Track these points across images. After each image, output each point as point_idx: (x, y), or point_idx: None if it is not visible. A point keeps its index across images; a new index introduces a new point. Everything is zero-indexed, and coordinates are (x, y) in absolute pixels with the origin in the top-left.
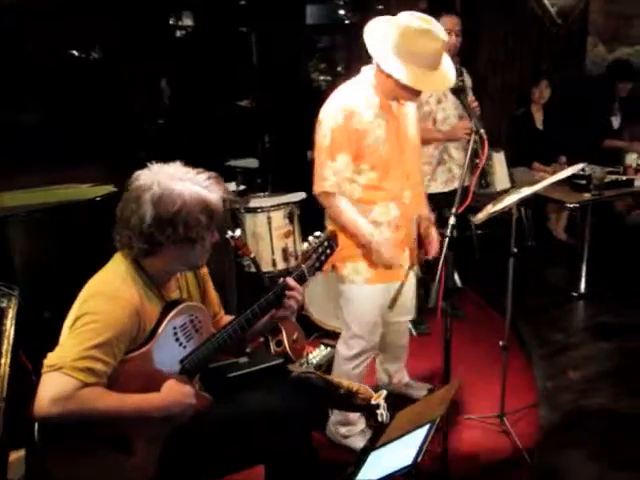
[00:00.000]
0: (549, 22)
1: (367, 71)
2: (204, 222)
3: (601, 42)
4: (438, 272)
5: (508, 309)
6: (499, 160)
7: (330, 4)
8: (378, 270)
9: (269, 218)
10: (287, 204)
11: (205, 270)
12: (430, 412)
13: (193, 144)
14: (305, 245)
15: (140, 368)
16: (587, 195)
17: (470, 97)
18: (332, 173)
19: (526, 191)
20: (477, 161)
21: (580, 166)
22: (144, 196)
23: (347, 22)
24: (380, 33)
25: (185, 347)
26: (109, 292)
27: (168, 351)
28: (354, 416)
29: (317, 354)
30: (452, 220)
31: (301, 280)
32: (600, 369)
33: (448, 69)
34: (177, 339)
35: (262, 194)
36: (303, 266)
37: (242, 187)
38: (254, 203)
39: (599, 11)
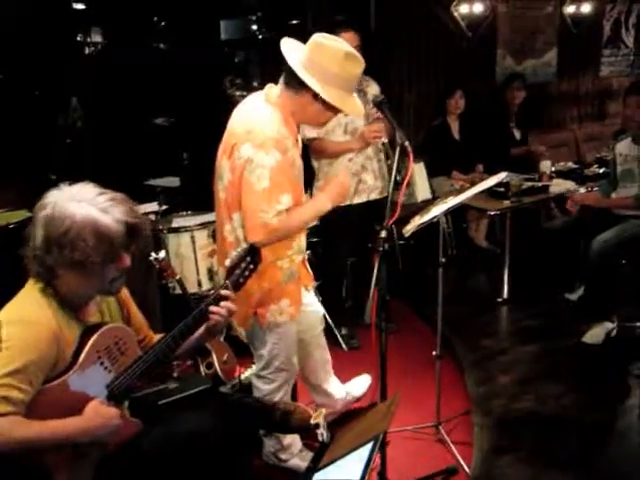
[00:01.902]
0: (460, 35)
1: (270, 93)
2: (92, 245)
3: (509, 54)
4: (372, 287)
5: (439, 318)
6: (419, 171)
7: (243, 19)
8: (297, 302)
9: (193, 237)
10: (211, 222)
11: (126, 293)
12: (374, 428)
13: (111, 164)
14: (227, 261)
15: (63, 395)
16: (506, 202)
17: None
18: (273, 216)
19: (453, 201)
20: (401, 174)
21: (503, 175)
22: (38, 217)
23: (261, 37)
24: (303, 55)
25: (111, 371)
26: (22, 318)
27: (93, 376)
28: (289, 440)
29: (248, 374)
30: (383, 234)
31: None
32: (528, 372)
33: (356, 96)
34: (102, 363)
35: (185, 213)
36: (227, 282)
37: (164, 207)
38: (177, 223)
39: (506, 25)
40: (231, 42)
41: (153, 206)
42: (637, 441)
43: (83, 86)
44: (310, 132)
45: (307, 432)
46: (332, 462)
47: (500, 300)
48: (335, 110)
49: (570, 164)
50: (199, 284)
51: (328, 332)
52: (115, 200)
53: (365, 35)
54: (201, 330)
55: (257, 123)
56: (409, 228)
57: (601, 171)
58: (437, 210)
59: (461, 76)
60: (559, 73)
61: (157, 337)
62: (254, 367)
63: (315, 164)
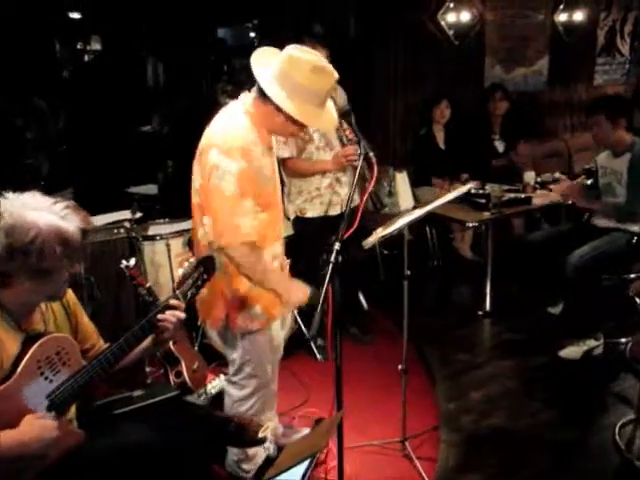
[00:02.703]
0: (447, 43)
1: (244, 101)
2: (59, 252)
3: (498, 63)
4: (321, 299)
5: (404, 332)
6: (402, 180)
7: (241, 27)
8: (271, 309)
9: (168, 245)
10: (186, 230)
11: (75, 300)
12: (317, 443)
13: (93, 171)
14: (180, 271)
15: (2, 407)
16: (487, 214)
17: (345, 127)
18: (247, 220)
19: (417, 212)
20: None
21: (468, 187)
22: None
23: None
24: (271, 67)
25: (52, 381)
26: None
27: (33, 386)
28: (253, 450)
29: (216, 384)
30: (337, 246)
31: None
32: (502, 388)
33: (330, 107)
34: (42, 373)
35: (162, 221)
36: (177, 292)
37: (138, 214)
38: (153, 230)
39: (494, 33)
40: (229, 49)
41: (126, 214)
42: (608, 462)
43: (72, 93)
44: (284, 152)
45: (255, 446)
46: (275, 475)
47: (481, 313)
48: (300, 124)
49: (557, 175)
50: (174, 291)
51: (303, 342)
52: (70, 208)
53: (344, 43)
54: (148, 341)
55: (227, 130)
56: (371, 240)
57: (588, 182)
58: (401, 222)
59: (448, 85)
60: (550, 82)
61: (105, 346)
62: (222, 377)
63: (287, 184)
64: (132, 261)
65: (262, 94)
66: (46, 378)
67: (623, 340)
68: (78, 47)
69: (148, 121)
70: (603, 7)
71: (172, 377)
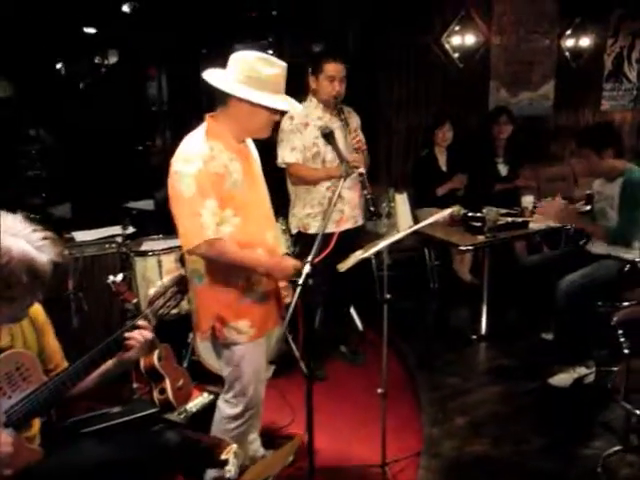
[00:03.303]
0: (451, 66)
1: (210, 119)
2: (25, 282)
3: (503, 87)
4: (285, 322)
5: (384, 356)
6: (402, 201)
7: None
8: (259, 324)
9: (159, 262)
10: (179, 247)
11: (44, 319)
12: (269, 469)
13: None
14: (152, 290)
15: None
16: (481, 237)
17: (354, 135)
18: (209, 219)
19: (397, 236)
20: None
21: (449, 211)
22: None
23: None
24: (221, 73)
25: (10, 397)
26: None
27: None
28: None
29: (198, 402)
30: (307, 268)
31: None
32: (489, 414)
33: (291, 99)
34: (0, 388)
35: (156, 236)
36: (147, 311)
37: (130, 230)
38: (146, 246)
39: (500, 57)
40: None
41: (116, 229)
42: None
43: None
44: (289, 157)
45: (218, 467)
46: None
47: (475, 337)
48: (268, 110)
49: (558, 199)
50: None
51: (293, 362)
52: (48, 239)
53: (345, 61)
54: (113, 361)
55: (185, 143)
56: (348, 263)
57: (587, 208)
58: (381, 245)
59: (452, 107)
60: (557, 106)
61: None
62: (205, 395)
63: (292, 191)
64: (119, 276)
65: (222, 100)
66: (4, 394)
67: (615, 369)
68: (95, 61)
69: (150, 138)
70: (610, 33)
71: (156, 394)
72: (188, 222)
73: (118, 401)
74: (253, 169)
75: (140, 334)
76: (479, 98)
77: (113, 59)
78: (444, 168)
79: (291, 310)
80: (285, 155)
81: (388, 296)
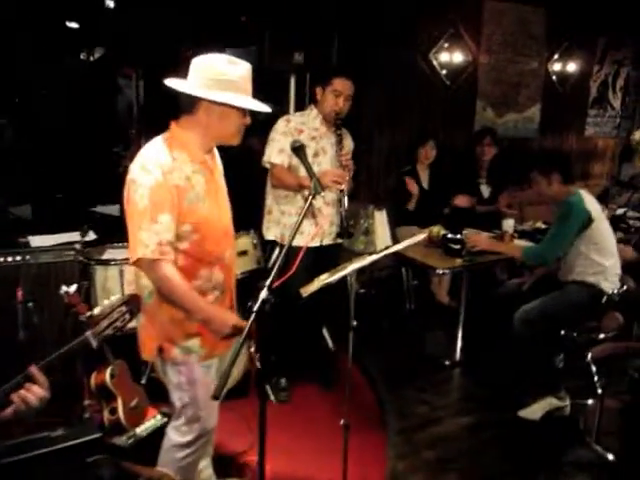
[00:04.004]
0: (438, 83)
1: (176, 126)
2: None
3: (490, 107)
4: (233, 353)
5: (347, 388)
6: (380, 219)
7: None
8: (211, 345)
9: (121, 271)
10: None
11: None
12: None
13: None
14: (97, 309)
15: None
16: (459, 261)
17: (345, 153)
18: (154, 236)
19: (364, 261)
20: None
21: (422, 236)
22: None
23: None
24: (184, 80)
25: None
26: None
27: None
28: None
29: (149, 425)
30: (263, 294)
31: (85, 348)
32: (457, 447)
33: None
34: None
35: (119, 244)
36: (87, 333)
37: (90, 236)
38: (108, 254)
39: (487, 77)
40: None
41: (73, 236)
42: None
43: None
44: (276, 158)
45: None
46: None
47: (449, 363)
48: (236, 110)
49: (539, 224)
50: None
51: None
52: None
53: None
54: None
55: (147, 149)
56: (312, 288)
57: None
58: (350, 268)
59: (437, 125)
60: (542, 129)
61: None
62: (158, 417)
63: (270, 195)
64: (73, 287)
65: (187, 106)
66: None
67: (590, 402)
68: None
69: (124, 140)
70: (597, 60)
71: (106, 413)
72: (134, 234)
73: (68, 418)
74: (217, 183)
75: (31, 393)
76: (465, 117)
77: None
78: (426, 186)
79: (243, 336)
80: (272, 154)
81: (354, 323)
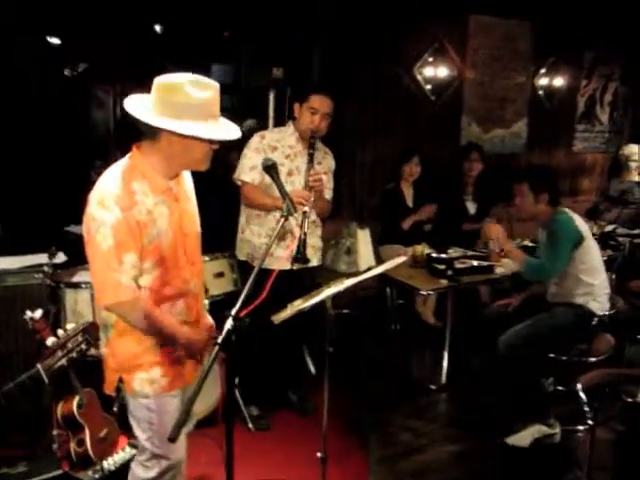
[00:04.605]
0: (422, 98)
1: (137, 152)
2: None
3: (476, 122)
4: (195, 388)
5: (324, 417)
6: (364, 237)
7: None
8: (173, 374)
9: (93, 295)
10: None
11: None
12: None
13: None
14: (50, 340)
15: None
16: (444, 281)
17: (313, 173)
18: (124, 277)
19: (346, 283)
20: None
21: (402, 259)
22: None
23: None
24: (146, 100)
25: None
26: None
27: None
28: None
29: (117, 458)
30: (229, 323)
31: (35, 383)
32: (443, 477)
33: (227, 123)
34: None
35: None
36: (39, 365)
37: (60, 258)
38: (79, 277)
39: (473, 92)
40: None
41: (43, 258)
42: None
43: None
44: (246, 175)
45: None
46: None
47: (434, 387)
48: (201, 140)
49: (527, 242)
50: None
51: (235, 409)
52: None
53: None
54: None
55: (102, 182)
56: (285, 314)
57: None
58: (326, 293)
59: (422, 140)
60: (529, 145)
61: None
62: (127, 449)
63: (243, 213)
64: (38, 312)
65: (148, 134)
66: None
67: (581, 428)
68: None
69: (101, 157)
70: (584, 75)
71: (73, 445)
72: (103, 276)
73: (34, 449)
74: (183, 209)
75: None
76: (450, 133)
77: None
78: (410, 203)
79: (209, 363)
80: (242, 172)
81: (330, 349)
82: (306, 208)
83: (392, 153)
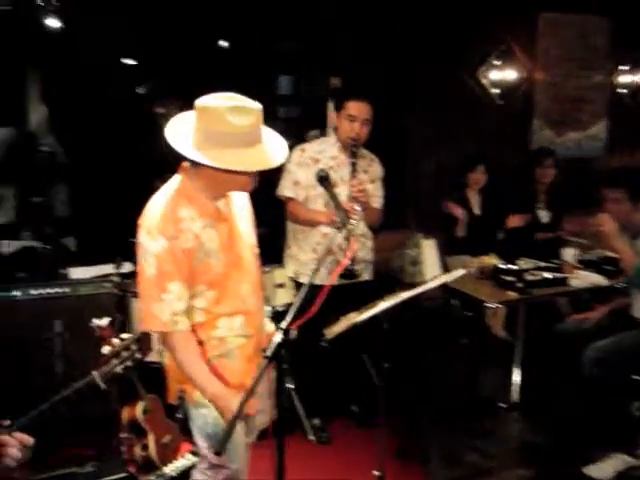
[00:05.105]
0: (489, 103)
1: (184, 175)
2: None
3: (548, 126)
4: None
5: (380, 434)
6: (429, 247)
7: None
8: (233, 386)
9: None
10: None
11: None
12: None
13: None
14: (106, 348)
15: None
16: (512, 294)
17: (355, 183)
18: (165, 308)
19: (399, 297)
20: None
21: (461, 272)
22: None
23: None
24: (181, 127)
25: None
26: None
27: None
28: None
29: (179, 465)
30: (278, 337)
31: (91, 389)
32: None
33: (274, 144)
34: None
35: None
36: (94, 373)
37: (127, 268)
38: None
39: (544, 94)
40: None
41: (111, 268)
42: None
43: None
44: (289, 191)
45: None
46: None
47: (505, 405)
48: (239, 172)
49: (607, 253)
50: (161, 354)
51: (296, 420)
52: None
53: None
54: None
55: (150, 208)
56: (338, 328)
57: None
58: (378, 308)
59: (488, 147)
60: (609, 147)
61: None
62: (188, 456)
63: (289, 228)
64: (104, 320)
65: (193, 162)
66: None
67: None
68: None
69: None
70: None
71: (138, 449)
72: (144, 303)
73: (103, 451)
74: (235, 228)
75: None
76: (519, 138)
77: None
78: (477, 211)
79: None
80: (285, 188)
81: (386, 365)
82: (352, 221)
83: (457, 161)
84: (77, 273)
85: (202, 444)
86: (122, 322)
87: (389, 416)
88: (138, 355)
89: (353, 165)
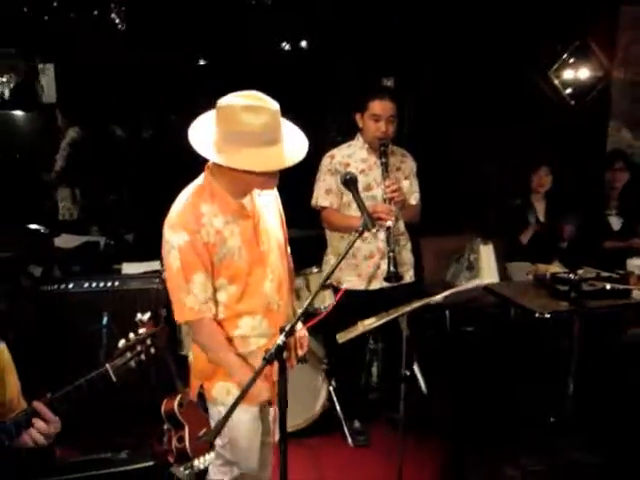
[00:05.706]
0: (560, 103)
1: (208, 173)
2: None
3: (626, 127)
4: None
5: (400, 448)
6: (487, 253)
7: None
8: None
9: None
10: None
11: (7, 359)
12: None
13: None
14: (122, 341)
15: None
16: (564, 304)
17: (389, 184)
18: (191, 297)
19: (418, 303)
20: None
21: (477, 282)
22: None
23: None
24: (204, 126)
25: None
26: None
27: None
28: None
29: (208, 458)
30: (280, 339)
31: (105, 382)
32: None
33: (294, 143)
34: None
35: None
36: (107, 365)
37: None
38: None
39: (622, 93)
40: None
41: (158, 264)
42: None
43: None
44: (324, 200)
45: None
46: None
47: (556, 420)
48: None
49: None
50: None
51: (336, 423)
52: None
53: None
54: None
55: (174, 205)
56: (353, 333)
57: None
58: (395, 314)
59: (558, 149)
60: None
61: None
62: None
63: (328, 236)
64: (146, 315)
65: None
66: None
67: None
68: None
69: None
70: None
71: (174, 441)
72: (174, 295)
73: (143, 440)
74: (259, 225)
75: (35, 433)
76: (594, 140)
77: None
78: (541, 217)
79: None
80: (319, 197)
81: (407, 372)
82: (389, 223)
83: (521, 163)
84: (129, 268)
85: (218, 441)
86: (166, 317)
87: (434, 425)
88: (152, 350)
89: (384, 165)
